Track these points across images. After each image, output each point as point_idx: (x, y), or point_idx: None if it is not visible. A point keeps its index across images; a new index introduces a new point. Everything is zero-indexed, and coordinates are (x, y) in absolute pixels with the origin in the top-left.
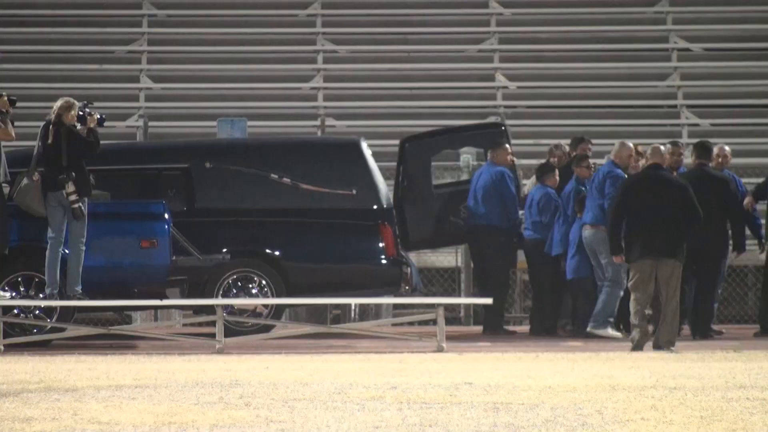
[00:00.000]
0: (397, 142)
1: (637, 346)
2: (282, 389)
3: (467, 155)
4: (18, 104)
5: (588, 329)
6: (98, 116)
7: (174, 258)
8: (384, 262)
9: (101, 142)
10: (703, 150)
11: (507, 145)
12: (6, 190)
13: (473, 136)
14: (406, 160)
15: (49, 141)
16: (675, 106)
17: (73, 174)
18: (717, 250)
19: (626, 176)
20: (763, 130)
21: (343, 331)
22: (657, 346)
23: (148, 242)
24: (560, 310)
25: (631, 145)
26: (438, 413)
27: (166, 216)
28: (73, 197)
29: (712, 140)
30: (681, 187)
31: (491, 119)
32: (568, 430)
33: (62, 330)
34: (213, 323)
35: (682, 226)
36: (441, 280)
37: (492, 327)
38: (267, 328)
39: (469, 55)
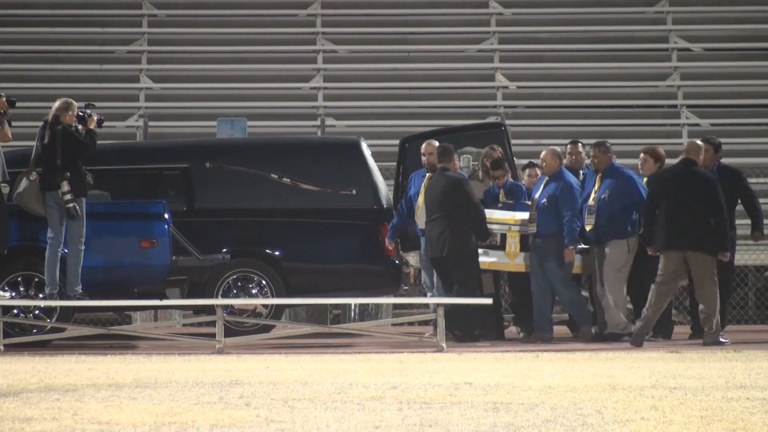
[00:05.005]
0: (397, 142)
1: (637, 340)
2: (282, 389)
3: (467, 155)
4: (18, 104)
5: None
6: (97, 117)
7: (174, 258)
8: (384, 262)
9: (101, 142)
10: (444, 153)
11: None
12: (6, 190)
13: (473, 136)
14: (406, 160)
15: (45, 141)
16: (675, 106)
17: (68, 174)
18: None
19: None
20: (763, 130)
21: (343, 331)
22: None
23: (148, 242)
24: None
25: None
26: (438, 413)
27: (166, 216)
28: (67, 197)
29: None
30: (711, 182)
31: (491, 119)
32: (568, 430)
33: (62, 330)
34: (213, 323)
35: (710, 220)
36: None
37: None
38: (267, 328)
39: (469, 55)
